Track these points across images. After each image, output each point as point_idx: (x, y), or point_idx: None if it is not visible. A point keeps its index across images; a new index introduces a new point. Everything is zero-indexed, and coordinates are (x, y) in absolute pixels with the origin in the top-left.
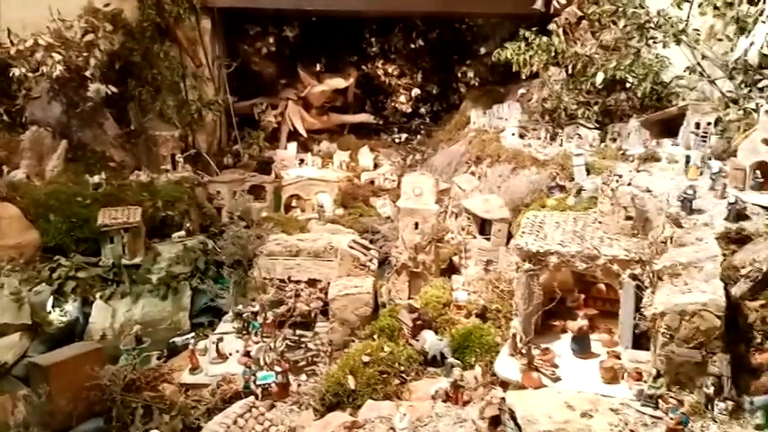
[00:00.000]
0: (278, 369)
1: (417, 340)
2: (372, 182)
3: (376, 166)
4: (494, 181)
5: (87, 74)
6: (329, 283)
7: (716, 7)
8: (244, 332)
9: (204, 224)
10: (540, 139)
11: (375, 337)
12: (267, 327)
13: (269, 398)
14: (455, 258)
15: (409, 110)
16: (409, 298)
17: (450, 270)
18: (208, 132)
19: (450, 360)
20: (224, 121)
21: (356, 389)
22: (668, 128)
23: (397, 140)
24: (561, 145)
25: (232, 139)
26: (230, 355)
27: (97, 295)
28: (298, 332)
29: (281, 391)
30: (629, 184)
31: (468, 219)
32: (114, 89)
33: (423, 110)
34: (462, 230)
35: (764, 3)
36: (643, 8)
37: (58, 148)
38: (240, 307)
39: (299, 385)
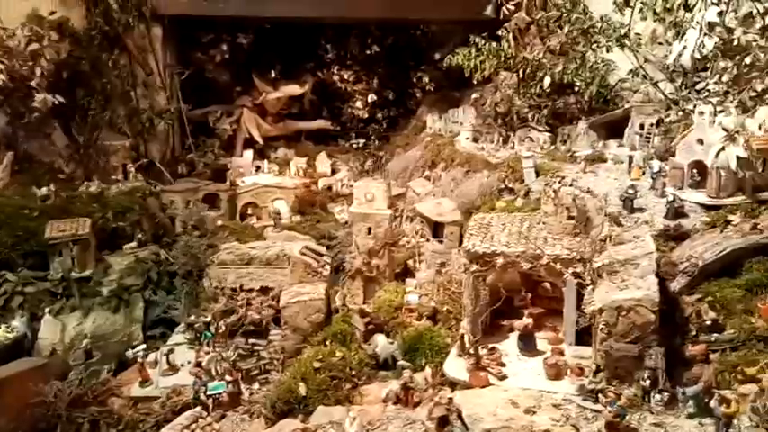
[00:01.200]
0: (228, 378)
1: (369, 344)
2: (330, 188)
3: (334, 171)
4: (447, 185)
5: (33, 84)
6: (282, 291)
7: (655, 12)
8: (196, 343)
9: (157, 234)
10: (493, 142)
11: (327, 342)
12: (219, 336)
13: (220, 408)
14: (410, 262)
15: (366, 115)
16: (364, 302)
17: (405, 274)
18: (161, 141)
19: (401, 363)
20: (177, 130)
21: (307, 395)
22: (615, 129)
23: (354, 146)
24: (513, 148)
25: (186, 147)
26: (182, 366)
27: (46, 310)
28: (251, 341)
29: (232, 400)
30: (571, 185)
31: (422, 222)
32: (62, 99)
33: (379, 115)
34: (416, 234)
35: (697, 9)
36: (586, 14)
37: (3, 159)
38: (193, 317)
39: (251, 394)
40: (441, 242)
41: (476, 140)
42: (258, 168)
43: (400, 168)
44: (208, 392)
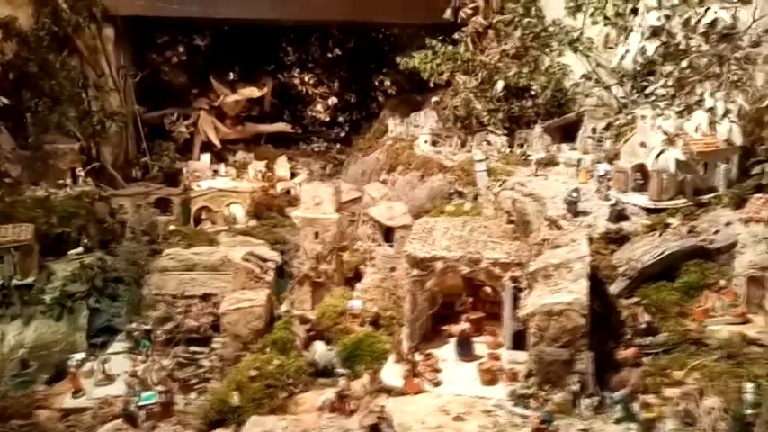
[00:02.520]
0: (160, 388)
1: (309, 351)
2: (288, 192)
3: (294, 175)
4: (402, 188)
5: None
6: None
7: (606, 17)
8: (135, 351)
9: (105, 240)
10: (451, 146)
11: (267, 350)
12: (158, 345)
13: (152, 419)
14: (363, 267)
15: (327, 119)
16: (312, 309)
17: (358, 279)
18: (113, 144)
19: (340, 370)
20: (132, 133)
21: (241, 405)
22: (569, 133)
23: (316, 150)
24: (470, 151)
25: (141, 150)
26: (118, 376)
27: None
28: (192, 349)
29: (164, 411)
30: (512, 189)
31: (373, 227)
32: (6, 101)
33: (341, 119)
34: (367, 238)
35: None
36: (539, 18)
37: None
38: (134, 325)
39: (186, 404)
40: (392, 246)
41: (434, 144)
42: (215, 172)
43: (359, 172)
44: (139, 403)
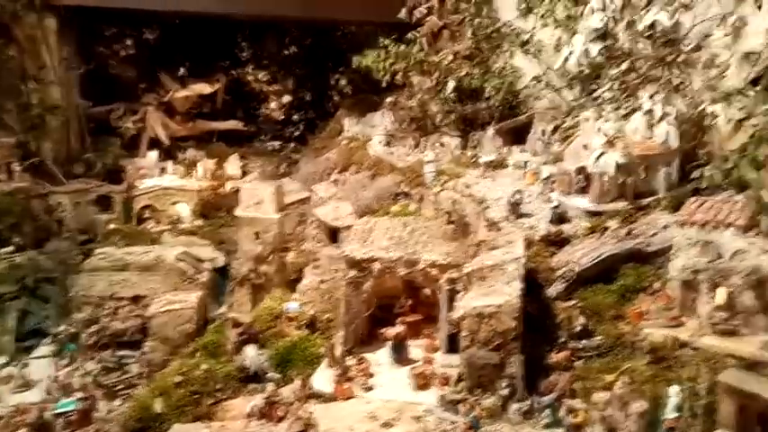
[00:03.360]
0: (80, 395)
1: (240, 356)
2: (238, 191)
3: (245, 174)
4: (351, 189)
5: None
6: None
7: (556, 20)
8: (59, 356)
9: (40, 238)
10: (406, 147)
11: (197, 354)
12: (85, 349)
13: (69, 427)
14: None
15: (282, 117)
16: (251, 311)
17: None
18: (55, 139)
19: (270, 375)
20: (75, 128)
21: (164, 412)
22: (520, 135)
23: (270, 148)
24: (423, 153)
25: (85, 146)
26: (40, 381)
27: None
28: (121, 353)
29: (83, 418)
30: (453, 189)
31: (319, 227)
32: None
33: (296, 117)
34: (313, 239)
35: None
36: (491, 19)
37: None
38: (62, 328)
39: (109, 411)
40: (338, 247)
41: (388, 145)
42: (163, 170)
43: (311, 171)
44: (55, 411)
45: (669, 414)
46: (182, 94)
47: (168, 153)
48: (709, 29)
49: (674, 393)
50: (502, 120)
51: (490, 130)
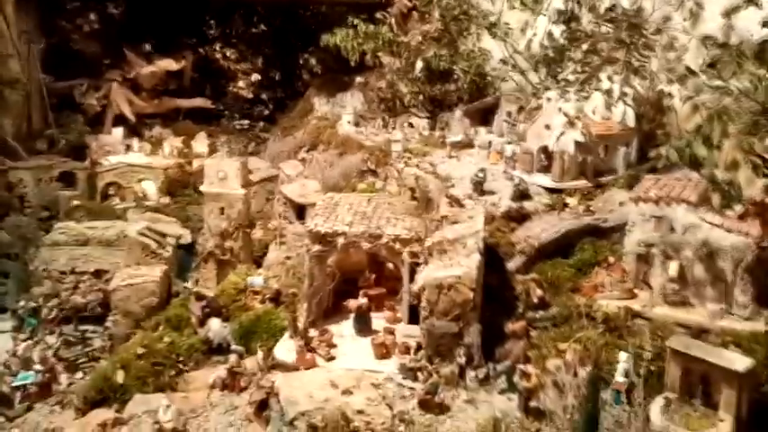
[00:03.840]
0: (38, 368)
1: (204, 329)
2: None
3: (212, 152)
4: (319, 167)
5: None
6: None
7: (522, 2)
8: (20, 330)
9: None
10: (375, 127)
11: (161, 327)
12: (47, 323)
13: (28, 399)
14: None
15: (250, 96)
16: (218, 286)
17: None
18: (15, 115)
19: (234, 347)
20: (37, 103)
21: (125, 383)
22: (487, 116)
23: (238, 127)
24: (392, 132)
25: (47, 122)
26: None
27: None
28: (84, 327)
29: (42, 391)
30: (417, 166)
31: (285, 204)
32: None
33: (265, 96)
34: (279, 216)
35: None
36: (457, 0)
37: None
38: (22, 303)
39: (69, 384)
40: (303, 224)
41: (357, 124)
42: (128, 147)
43: (280, 150)
44: (13, 384)
45: (618, 378)
46: (148, 70)
47: (134, 130)
48: (669, 13)
49: (623, 359)
50: (470, 101)
51: (458, 111)
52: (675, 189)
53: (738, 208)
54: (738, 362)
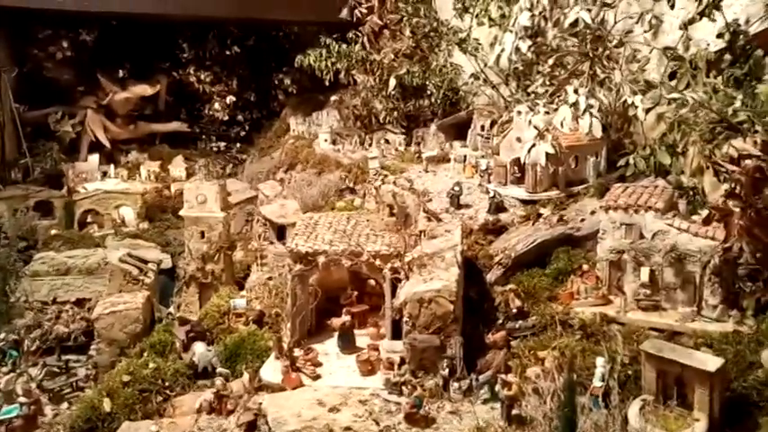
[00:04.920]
0: (23, 400)
1: (189, 353)
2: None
3: (190, 175)
4: (297, 186)
5: None
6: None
7: (491, 18)
8: (1, 363)
9: None
10: (351, 144)
11: (144, 354)
12: (29, 355)
13: None
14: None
15: (226, 117)
16: (200, 310)
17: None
18: None
19: (220, 370)
20: (11, 132)
21: (112, 411)
22: (461, 131)
23: (215, 149)
24: (369, 149)
25: (21, 151)
26: None
27: None
28: (67, 357)
29: (27, 424)
30: (394, 183)
31: (265, 225)
32: None
33: (240, 117)
34: (260, 237)
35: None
36: (429, 18)
37: None
38: (2, 335)
39: (55, 415)
40: (284, 244)
41: (334, 142)
42: (105, 173)
43: (258, 171)
44: None
45: (596, 383)
46: (122, 96)
47: (110, 156)
48: (631, 26)
49: (599, 364)
50: (444, 116)
51: (433, 127)
52: (643, 196)
53: (704, 212)
54: (710, 362)
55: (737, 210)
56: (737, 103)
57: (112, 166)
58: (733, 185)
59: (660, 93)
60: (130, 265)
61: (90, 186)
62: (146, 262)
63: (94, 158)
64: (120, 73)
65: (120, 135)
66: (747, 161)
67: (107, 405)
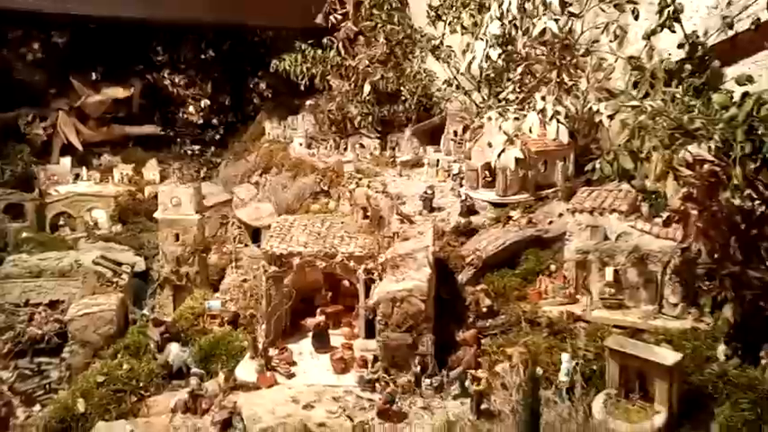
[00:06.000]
0: None
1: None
2: (157, 195)
3: (163, 178)
4: (272, 189)
5: None
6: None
7: (463, 26)
8: None
9: None
10: (326, 148)
11: (119, 355)
12: (1, 357)
13: None
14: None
15: (201, 121)
16: (175, 311)
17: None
18: None
19: (194, 370)
20: None
21: (86, 412)
22: (435, 136)
23: (189, 152)
24: (344, 153)
25: None
26: None
27: None
28: (39, 359)
29: None
30: (368, 186)
31: (240, 228)
32: None
33: (215, 121)
34: (234, 240)
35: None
36: (402, 25)
37: None
38: None
39: (27, 417)
40: (259, 247)
41: (309, 146)
42: (77, 176)
43: (233, 174)
44: None
45: (561, 378)
46: (95, 98)
47: (82, 159)
48: (597, 36)
49: (565, 360)
50: (418, 121)
51: (407, 132)
52: (608, 199)
53: (665, 215)
54: (669, 357)
55: (694, 212)
56: (695, 111)
57: (85, 168)
58: (690, 189)
59: (619, 100)
60: (104, 267)
61: (62, 189)
62: (120, 264)
63: (66, 161)
64: (93, 75)
65: (92, 138)
66: (704, 166)
67: (81, 405)
